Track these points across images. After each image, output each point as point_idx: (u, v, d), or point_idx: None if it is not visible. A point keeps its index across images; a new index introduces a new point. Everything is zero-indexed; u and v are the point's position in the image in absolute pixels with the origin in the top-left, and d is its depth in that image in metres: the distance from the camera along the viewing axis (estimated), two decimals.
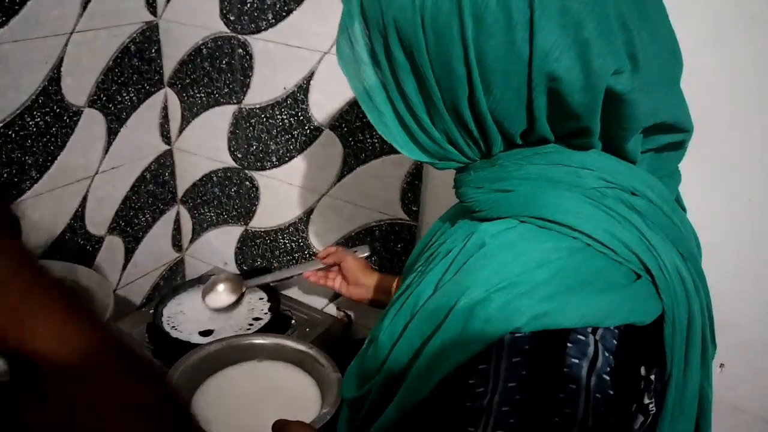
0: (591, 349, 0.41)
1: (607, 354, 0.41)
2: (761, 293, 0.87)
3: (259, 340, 1.05)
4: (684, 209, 0.55)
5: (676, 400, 0.46)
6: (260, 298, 1.25)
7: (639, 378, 0.44)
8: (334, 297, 1.28)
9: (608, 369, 0.41)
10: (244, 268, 1.40)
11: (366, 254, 1.10)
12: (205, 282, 1.30)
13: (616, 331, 0.43)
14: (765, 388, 0.91)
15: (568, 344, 0.41)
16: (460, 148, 0.50)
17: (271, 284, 1.23)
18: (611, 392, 0.41)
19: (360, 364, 0.54)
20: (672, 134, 0.49)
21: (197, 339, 1.13)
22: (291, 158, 1.20)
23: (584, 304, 0.42)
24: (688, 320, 0.46)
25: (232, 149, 1.27)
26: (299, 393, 1.01)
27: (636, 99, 0.43)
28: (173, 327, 1.16)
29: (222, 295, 1.22)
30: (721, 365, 0.92)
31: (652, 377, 0.45)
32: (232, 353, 1.03)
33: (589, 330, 0.42)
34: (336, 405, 0.90)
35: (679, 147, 0.51)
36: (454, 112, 0.47)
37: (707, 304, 0.51)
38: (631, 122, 0.45)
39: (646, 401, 0.44)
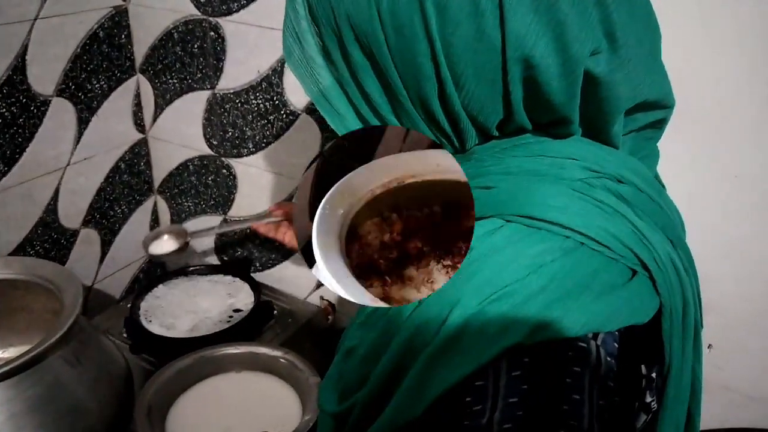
0: (593, 356, 0.39)
1: (609, 359, 0.39)
2: (748, 272, 0.85)
3: (232, 350, 1.02)
4: (663, 186, 0.53)
5: (676, 391, 0.44)
6: (241, 289, 1.23)
7: (640, 377, 0.42)
8: (317, 286, 1.26)
9: (611, 374, 0.39)
10: (224, 258, 1.37)
11: None
12: (187, 274, 1.27)
13: (617, 333, 0.41)
14: (753, 366, 0.90)
15: (569, 353, 0.38)
16: None
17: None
18: (616, 398, 0.39)
19: (339, 376, 0.51)
20: (654, 111, 0.46)
21: (175, 333, 1.10)
22: (268, 144, 1.17)
23: (584, 311, 0.39)
24: (683, 309, 0.44)
25: (208, 136, 1.24)
26: (278, 402, 0.98)
27: (615, 80, 0.40)
28: (150, 321, 1.13)
29: (165, 242, 1.15)
30: (710, 346, 0.91)
31: (653, 375, 0.43)
32: (206, 366, 1.00)
33: (590, 336, 0.39)
34: (317, 411, 0.88)
35: (660, 125, 0.48)
36: (423, 110, 0.44)
37: (697, 286, 0.49)
38: (612, 105, 0.42)
39: (648, 399, 0.43)
